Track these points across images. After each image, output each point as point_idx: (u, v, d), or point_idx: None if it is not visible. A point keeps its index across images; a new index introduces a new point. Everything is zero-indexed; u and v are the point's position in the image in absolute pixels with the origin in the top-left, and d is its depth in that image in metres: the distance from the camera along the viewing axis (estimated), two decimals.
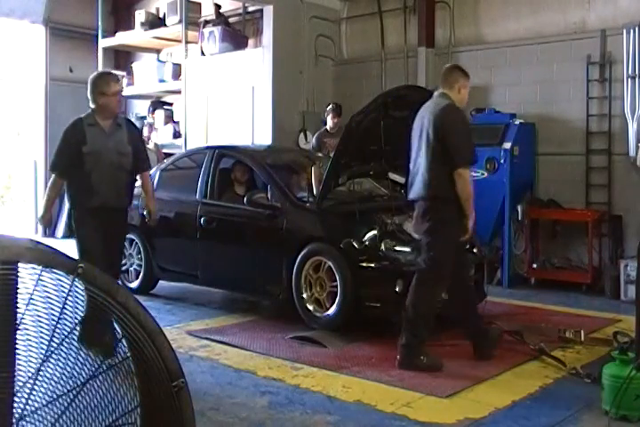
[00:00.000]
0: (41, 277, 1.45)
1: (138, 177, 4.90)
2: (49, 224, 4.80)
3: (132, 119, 10.53)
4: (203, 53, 9.45)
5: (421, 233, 4.44)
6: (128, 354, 1.56)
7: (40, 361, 1.47)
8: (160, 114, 10.26)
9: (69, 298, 1.48)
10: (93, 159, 4.50)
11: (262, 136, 8.60)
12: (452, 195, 4.27)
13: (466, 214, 4.32)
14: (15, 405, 1.44)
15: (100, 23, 10.46)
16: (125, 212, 4.82)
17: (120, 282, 6.44)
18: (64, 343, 1.49)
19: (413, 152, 4.50)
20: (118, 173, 4.64)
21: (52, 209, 4.75)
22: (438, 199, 4.32)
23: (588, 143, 7.30)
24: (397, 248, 5.09)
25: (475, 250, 5.56)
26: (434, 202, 4.33)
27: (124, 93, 10.75)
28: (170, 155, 8.21)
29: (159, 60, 10.61)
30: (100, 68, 10.54)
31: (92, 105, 4.60)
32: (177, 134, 9.69)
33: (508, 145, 7.18)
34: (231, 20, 10.02)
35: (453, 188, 4.25)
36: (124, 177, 4.69)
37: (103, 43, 10.57)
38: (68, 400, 1.50)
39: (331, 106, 7.94)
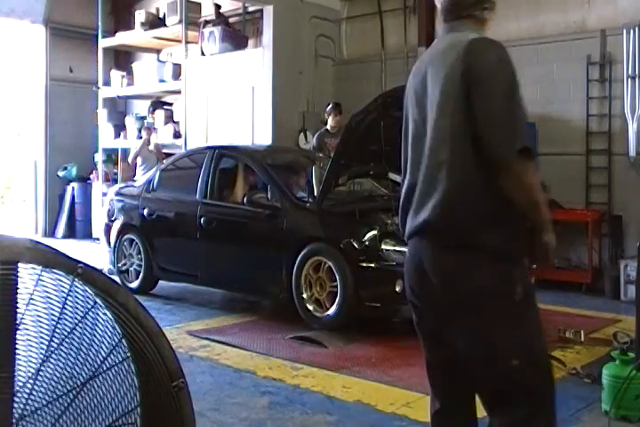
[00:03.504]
0: (41, 277, 1.45)
1: None
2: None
3: (132, 119, 10.56)
4: (203, 53, 9.45)
5: None
6: (128, 354, 1.56)
7: (40, 361, 1.47)
8: (160, 114, 10.25)
9: (69, 298, 1.48)
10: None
11: (262, 136, 8.60)
12: None
13: None
14: (15, 405, 1.44)
15: (99, 23, 10.46)
16: None
17: (120, 282, 6.45)
18: (64, 343, 1.49)
19: None
20: None
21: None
22: None
23: (588, 143, 7.31)
24: (397, 248, 5.09)
25: None
26: None
27: (123, 93, 10.81)
28: (170, 155, 8.22)
29: (159, 60, 10.60)
30: (101, 69, 10.57)
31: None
32: (177, 134, 9.68)
33: None
34: (231, 20, 10.02)
35: None
36: None
37: (103, 43, 10.57)
38: (68, 400, 1.50)
39: (330, 105, 7.94)
